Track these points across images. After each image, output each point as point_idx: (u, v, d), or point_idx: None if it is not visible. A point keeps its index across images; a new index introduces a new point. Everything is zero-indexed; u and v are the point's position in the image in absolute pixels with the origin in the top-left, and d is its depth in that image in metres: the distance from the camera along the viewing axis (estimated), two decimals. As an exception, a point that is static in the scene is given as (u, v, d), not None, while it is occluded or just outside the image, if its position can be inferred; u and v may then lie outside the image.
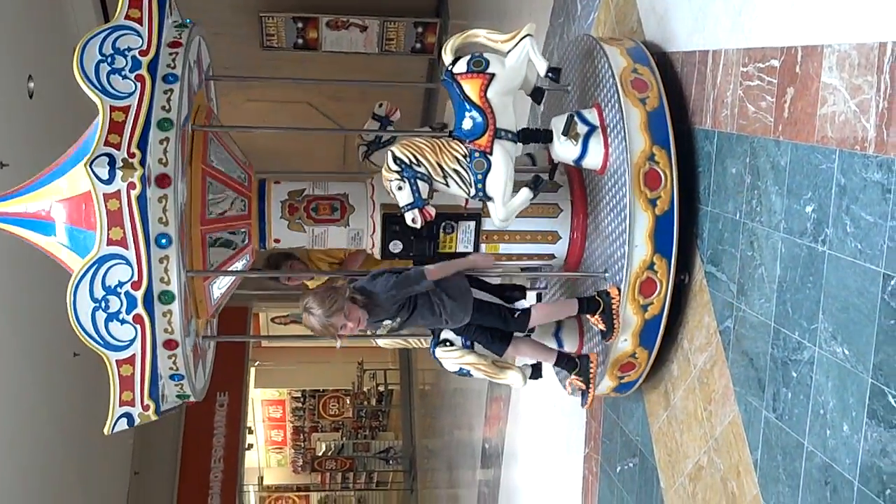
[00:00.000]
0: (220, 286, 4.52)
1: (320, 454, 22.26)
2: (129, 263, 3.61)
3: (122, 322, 3.66)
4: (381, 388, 22.23)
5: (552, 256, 4.73)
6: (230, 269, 4.50)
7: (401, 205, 4.04)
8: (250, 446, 19.78)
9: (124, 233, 3.57)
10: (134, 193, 3.52)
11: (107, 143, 3.53)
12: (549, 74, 4.10)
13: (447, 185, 4.07)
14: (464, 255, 4.48)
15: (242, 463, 15.56)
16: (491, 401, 8.90)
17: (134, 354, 3.71)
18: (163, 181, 3.64)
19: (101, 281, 3.59)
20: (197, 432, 13.93)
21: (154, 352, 3.75)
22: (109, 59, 3.67)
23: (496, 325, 4.28)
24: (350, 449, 22.06)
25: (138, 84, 3.65)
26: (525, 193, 4.07)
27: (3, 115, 7.45)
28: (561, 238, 4.64)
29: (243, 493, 16.58)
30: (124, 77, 3.66)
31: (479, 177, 4.02)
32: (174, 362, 3.83)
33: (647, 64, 4.12)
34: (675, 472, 4.16)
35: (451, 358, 4.29)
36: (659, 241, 3.95)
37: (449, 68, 4.08)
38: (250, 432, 20.00)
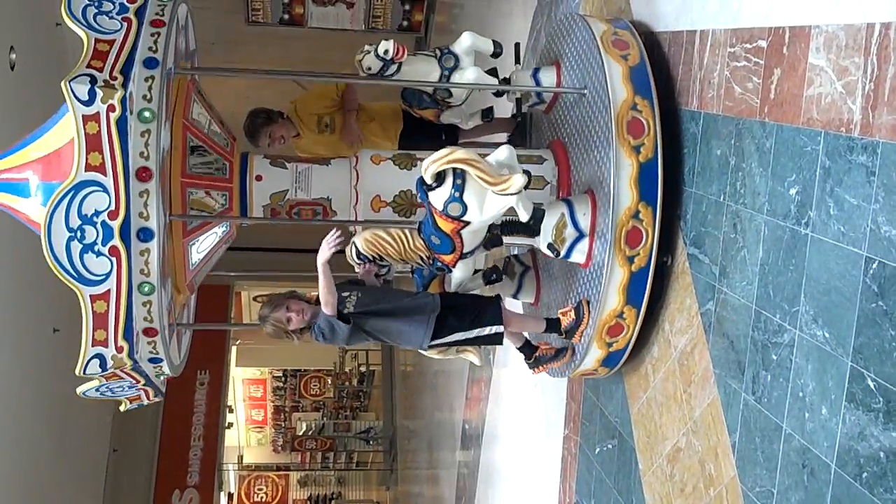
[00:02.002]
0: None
1: (301, 434, 22.31)
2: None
3: (98, 254, 3.53)
4: (363, 369, 22.25)
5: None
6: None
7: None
8: (230, 425, 19.74)
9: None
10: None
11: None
12: (531, 222, 3.99)
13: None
14: None
15: (222, 442, 15.53)
16: (472, 382, 8.90)
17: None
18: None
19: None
20: (177, 410, 13.86)
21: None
22: (79, 235, 3.41)
23: (472, 315, 4.28)
24: (330, 429, 22.12)
25: (114, 260, 3.49)
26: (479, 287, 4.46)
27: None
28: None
29: (223, 472, 16.56)
30: (99, 254, 3.48)
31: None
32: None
33: (653, 202, 3.88)
34: (653, 453, 4.17)
35: None
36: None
37: (426, 189, 3.80)
38: (231, 411, 19.97)
